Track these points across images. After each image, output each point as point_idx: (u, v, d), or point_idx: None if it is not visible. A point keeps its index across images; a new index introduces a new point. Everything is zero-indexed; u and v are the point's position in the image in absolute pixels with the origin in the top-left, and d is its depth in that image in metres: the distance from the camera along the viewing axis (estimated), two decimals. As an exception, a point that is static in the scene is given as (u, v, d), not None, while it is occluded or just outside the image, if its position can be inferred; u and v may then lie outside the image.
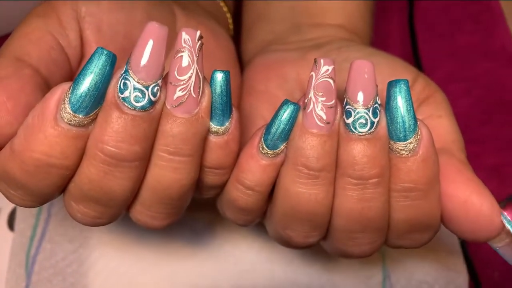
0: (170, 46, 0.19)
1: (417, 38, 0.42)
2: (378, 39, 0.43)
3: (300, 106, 0.21)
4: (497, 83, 0.40)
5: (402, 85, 0.20)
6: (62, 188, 0.21)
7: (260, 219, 0.25)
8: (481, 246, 0.34)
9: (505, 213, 0.21)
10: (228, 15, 0.33)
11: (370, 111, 0.20)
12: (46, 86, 0.21)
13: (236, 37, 0.35)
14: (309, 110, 0.20)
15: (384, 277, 0.31)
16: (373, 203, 0.21)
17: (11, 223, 0.32)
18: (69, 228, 0.32)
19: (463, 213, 0.21)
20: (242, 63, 0.33)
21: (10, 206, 0.33)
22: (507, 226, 0.21)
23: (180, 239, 0.32)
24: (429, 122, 0.24)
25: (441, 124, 0.24)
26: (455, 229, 0.22)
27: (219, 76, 0.20)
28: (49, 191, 0.20)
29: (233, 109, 0.21)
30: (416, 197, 0.21)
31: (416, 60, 0.41)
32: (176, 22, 0.26)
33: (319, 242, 0.24)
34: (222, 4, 0.33)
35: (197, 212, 0.33)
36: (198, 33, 0.19)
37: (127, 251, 0.31)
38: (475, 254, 0.34)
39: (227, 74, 0.20)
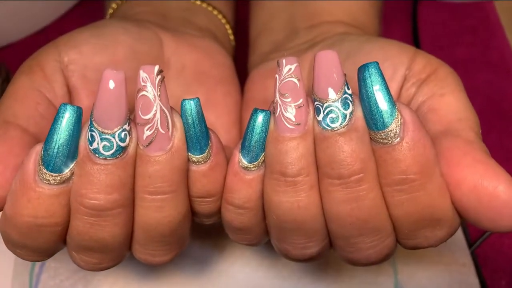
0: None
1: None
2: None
3: (270, 112, 0.20)
4: (497, 94, 0.40)
5: (371, 68, 0.18)
6: (61, 241, 0.21)
7: (266, 237, 0.24)
8: (489, 256, 0.34)
9: None
10: (228, 26, 0.32)
11: (339, 103, 0.18)
12: (36, 143, 0.20)
13: (245, 47, 0.34)
14: (277, 114, 0.19)
15: (395, 289, 0.31)
16: (362, 202, 0.19)
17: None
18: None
19: (475, 201, 0.19)
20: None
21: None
22: None
23: (189, 258, 0.32)
24: (431, 102, 0.22)
25: (444, 103, 0.21)
26: (473, 220, 0.19)
27: (188, 105, 0.19)
28: (49, 246, 0.20)
29: (211, 134, 0.20)
30: (411, 189, 0.19)
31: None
32: (163, 50, 0.26)
33: (321, 255, 0.22)
34: (220, 16, 0.32)
35: (206, 237, 0.32)
36: (157, 68, 0.18)
37: (132, 272, 0.31)
38: (485, 263, 0.34)
39: (196, 101, 0.19)
